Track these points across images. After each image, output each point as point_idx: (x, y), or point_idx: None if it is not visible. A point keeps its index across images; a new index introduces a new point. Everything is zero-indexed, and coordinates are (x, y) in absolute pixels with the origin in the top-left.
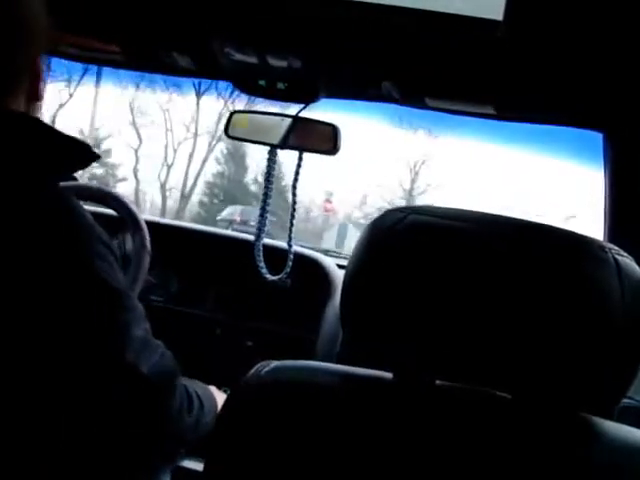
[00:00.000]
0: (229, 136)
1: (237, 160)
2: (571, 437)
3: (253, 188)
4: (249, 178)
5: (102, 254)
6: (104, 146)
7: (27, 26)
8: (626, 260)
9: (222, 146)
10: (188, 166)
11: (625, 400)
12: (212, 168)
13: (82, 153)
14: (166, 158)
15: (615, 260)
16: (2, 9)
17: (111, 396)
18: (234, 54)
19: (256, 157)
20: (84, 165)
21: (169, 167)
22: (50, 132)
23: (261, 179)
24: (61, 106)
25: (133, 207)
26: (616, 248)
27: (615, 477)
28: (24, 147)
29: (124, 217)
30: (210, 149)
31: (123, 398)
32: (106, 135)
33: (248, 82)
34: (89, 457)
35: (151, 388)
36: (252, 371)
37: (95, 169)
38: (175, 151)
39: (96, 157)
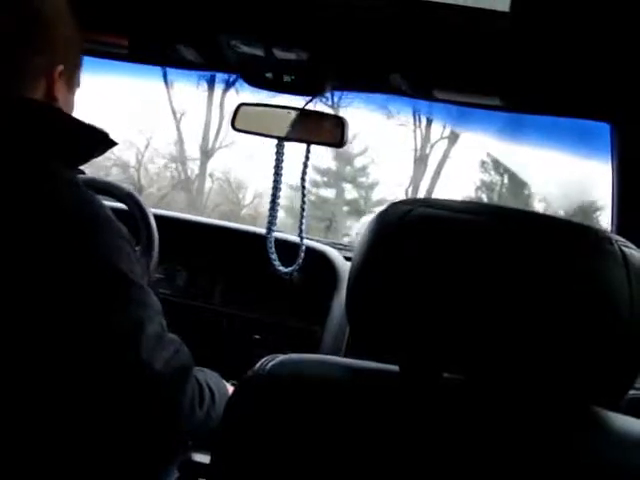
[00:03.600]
0: (236, 129)
1: None
2: (579, 429)
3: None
4: None
5: (121, 247)
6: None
7: (42, 31)
8: (633, 252)
9: None
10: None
11: (632, 391)
12: None
13: (100, 140)
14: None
15: (622, 251)
16: (21, 10)
17: (124, 391)
18: (241, 47)
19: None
20: (102, 151)
21: None
22: (68, 119)
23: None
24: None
25: (141, 200)
26: (622, 240)
27: (623, 469)
28: (41, 133)
29: (132, 210)
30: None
31: (136, 393)
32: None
33: (255, 75)
34: (100, 451)
35: (164, 384)
36: (258, 364)
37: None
38: None
39: (113, 144)
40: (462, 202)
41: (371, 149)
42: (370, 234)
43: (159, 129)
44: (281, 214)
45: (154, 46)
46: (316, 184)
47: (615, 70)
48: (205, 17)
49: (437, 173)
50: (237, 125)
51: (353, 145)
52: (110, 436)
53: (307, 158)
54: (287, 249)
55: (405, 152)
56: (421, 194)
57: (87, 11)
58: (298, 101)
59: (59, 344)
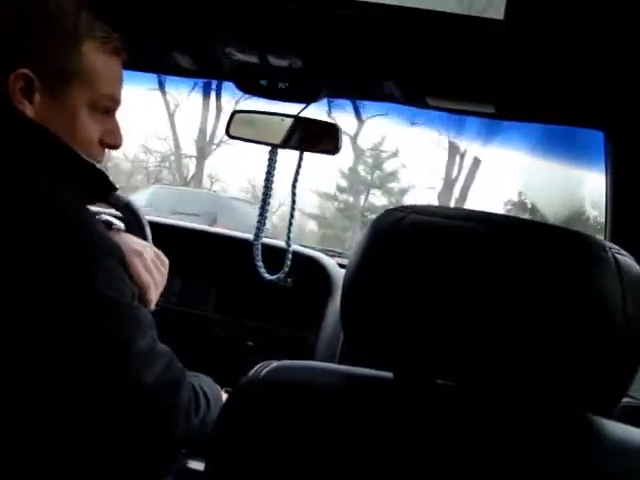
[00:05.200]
0: (230, 136)
1: None
2: (572, 437)
3: None
4: None
5: (107, 267)
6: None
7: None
8: (626, 259)
9: None
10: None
11: (626, 399)
12: None
13: (101, 184)
14: None
15: (615, 259)
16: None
17: (114, 406)
18: (235, 54)
19: None
20: (103, 199)
21: None
22: (77, 160)
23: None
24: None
25: (136, 207)
26: (616, 247)
27: (618, 477)
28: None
29: (129, 219)
30: None
31: (127, 408)
32: None
33: (249, 82)
34: (93, 465)
35: (156, 397)
36: (252, 371)
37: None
38: None
39: (114, 189)
40: (455, 209)
41: (402, 153)
42: (364, 241)
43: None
44: (311, 224)
45: (149, 53)
46: (342, 190)
47: (609, 78)
48: (200, 25)
49: (470, 178)
50: (232, 132)
51: (382, 148)
52: (103, 450)
53: (299, 166)
54: (279, 256)
55: (438, 153)
56: (454, 199)
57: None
58: (293, 108)
59: (47, 363)
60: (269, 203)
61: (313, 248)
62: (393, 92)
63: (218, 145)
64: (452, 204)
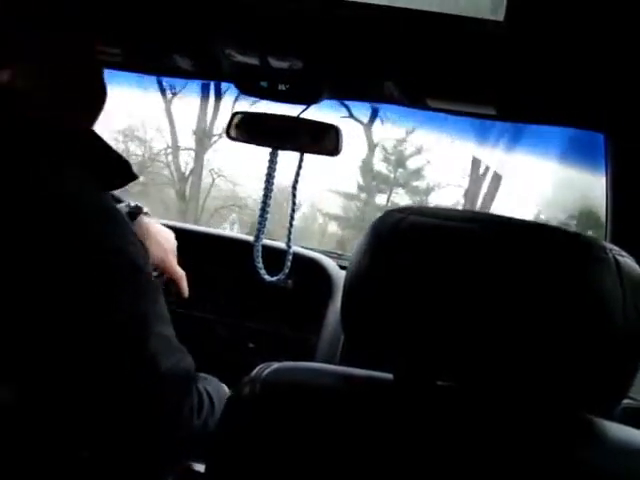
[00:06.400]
0: (230, 137)
1: None
2: (572, 438)
3: None
4: None
5: (136, 243)
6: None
7: None
8: (627, 260)
9: None
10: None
11: (626, 400)
12: None
13: (123, 172)
14: None
15: (616, 260)
16: None
17: (126, 389)
18: (235, 55)
19: None
20: (121, 185)
21: None
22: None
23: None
24: None
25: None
26: (617, 249)
27: (619, 478)
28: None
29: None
30: None
31: (138, 393)
32: None
33: (250, 83)
34: (100, 449)
35: (167, 389)
36: (254, 372)
37: None
38: None
39: (134, 177)
40: (454, 210)
41: (426, 149)
42: (364, 242)
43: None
44: (333, 226)
45: (149, 55)
46: (364, 189)
47: (609, 80)
48: (200, 26)
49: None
50: (232, 134)
51: (405, 145)
52: (109, 434)
53: (300, 167)
54: (280, 257)
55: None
56: (481, 197)
57: (83, 20)
58: (293, 109)
59: (64, 335)
60: (269, 204)
61: (313, 250)
62: (393, 93)
63: (220, 136)
64: (479, 203)
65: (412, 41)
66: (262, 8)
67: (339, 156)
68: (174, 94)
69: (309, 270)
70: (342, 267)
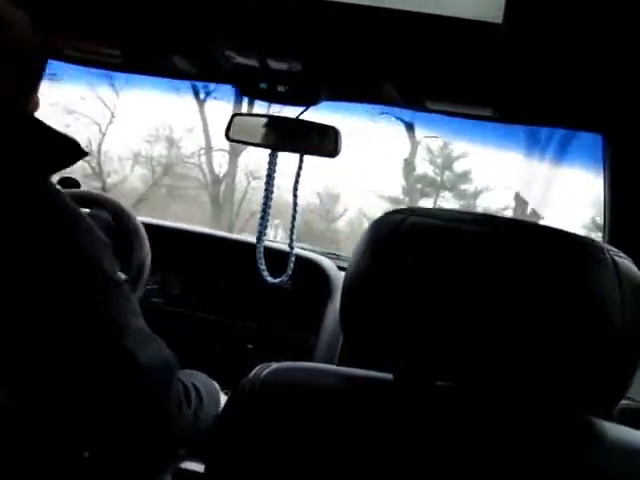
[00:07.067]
0: (230, 139)
1: None
2: (571, 439)
3: None
4: None
5: (100, 248)
6: None
7: None
8: (625, 261)
9: None
10: None
11: (625, 401)
12: None
13: (71, 150)
14: None
15: (614, 261)
16: None
17: (111, 382)
18: (235, 57)
19: None
20: (71, 162)
21: None
22: (44, 129)
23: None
24: None
25: (131, 212)
26: (615, 249)
27: (616, 479)
28: (15, 143)
29: (124, 222)
30: None
31: (122, 387)
32: None
33: (249, 85)
34: (91, 450)
35: (149, 379)
36: (253, 372)
37: None
38: None
39: (84, 154)
40: (454, 211)
41: (472, 152)
42: (364, 243)
43: None
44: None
45: (149, 56)
46: (408, 192)
47: (607, 81)
48: (200, 28)
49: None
50: (231, 135)
51: (451, 147)
52: (98, 433)
53: (300, 168)
54: (281, 258)
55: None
56: (534, 200)
57: (84, 21)
58: (292, 111)
59: (42, 338)
60: (270, 206)
61: (313, 251)
62: (392, 95)
63: None
64: (530, 207)
65: (411, 43)
66: (262, 10)
67: (384, 159)
68: (208, 94)
69: (308, 271)
70: (341, 268)
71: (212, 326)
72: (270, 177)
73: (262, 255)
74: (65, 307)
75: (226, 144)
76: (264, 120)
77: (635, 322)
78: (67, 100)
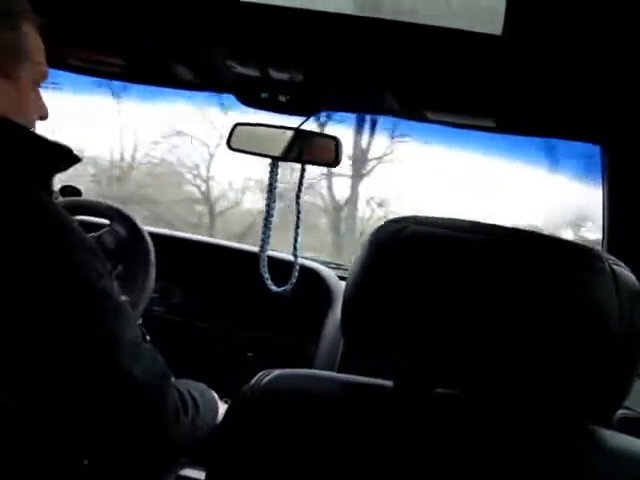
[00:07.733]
0: (231, 148)
1: None
2: (572, 446)
3: None
4: None
5: (89, 261)
6: None
7: None
8: (623, 270)
9: None
10: None
11: (623, 411)
12: None
13: (63, 156)
14: None
15: (612, 270)
16: None
17: (107, 401)
18: (237, 67)
19: None
20: (65, 167)
21: None
22: (35, 138)
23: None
24: None
25: (137, 221)
26: (613, 258)
27: None
28: (7, 150)
29: (128, 230)
30: None
31: (119, 402)
32: None
33: (250, 95)
34: (89, 464)
35: (146, 391)
36: (254, 380)
37: None
38: None
39: (77, 160)
40: (453, 220)
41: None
42: (365, 252)
43: None
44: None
45: (150, 66)
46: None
47: (606, 93)
48: (202, 38)
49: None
50: (233, 145)
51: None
52: (97, 445)
53: (302, 177)
54: (282, 268)
55: None
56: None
57: (85, 31)
58: (293, 121)
59: (36, 357)
60: (272, 215)
61: (313, 260)
62: (392, 106)
63: (379, 160)
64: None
65: (412, 54)
66: (263, 20)
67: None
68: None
69: (309, 280)
70: (341, 277)
71: (212, 334)
72: (272, 186)
73: (265, 264)
74: (52, 324)
75: (348, 169)
76: (265, 130)
77: (633, 330)
78: (175, 120)
